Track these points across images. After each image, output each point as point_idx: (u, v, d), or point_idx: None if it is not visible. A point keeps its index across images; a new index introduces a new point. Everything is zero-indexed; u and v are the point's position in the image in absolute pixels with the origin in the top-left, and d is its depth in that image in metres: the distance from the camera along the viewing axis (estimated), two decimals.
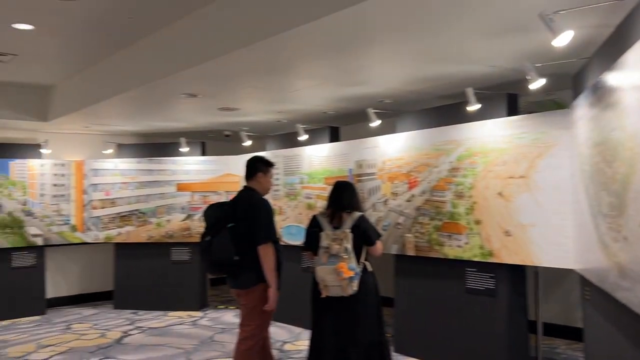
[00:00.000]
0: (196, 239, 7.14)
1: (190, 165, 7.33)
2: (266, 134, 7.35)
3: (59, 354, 5.32)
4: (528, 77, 3.98)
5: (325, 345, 3.84)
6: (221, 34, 4.08)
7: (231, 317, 6.81)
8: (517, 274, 4.49)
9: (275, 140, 6.98)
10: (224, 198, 7.15)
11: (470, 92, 4.51)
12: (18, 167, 7.07)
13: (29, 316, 6.97)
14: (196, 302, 7.27)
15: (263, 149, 7.02)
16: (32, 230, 7.10)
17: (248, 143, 7.14)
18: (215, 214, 3.79)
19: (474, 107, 4.54)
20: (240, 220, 3.69)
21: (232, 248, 3.62)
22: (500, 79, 4.86)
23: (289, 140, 6.66)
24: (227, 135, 8.24)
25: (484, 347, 4.54)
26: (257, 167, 3.95)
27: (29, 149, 7.30)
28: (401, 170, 5.14)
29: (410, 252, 5.03)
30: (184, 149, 7.35)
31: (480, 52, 4.01)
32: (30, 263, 7.11)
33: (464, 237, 4.60)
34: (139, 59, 5.11)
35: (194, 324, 6.45)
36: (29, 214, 7.10)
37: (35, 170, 7.18)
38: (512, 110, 4.53)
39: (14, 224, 6.99)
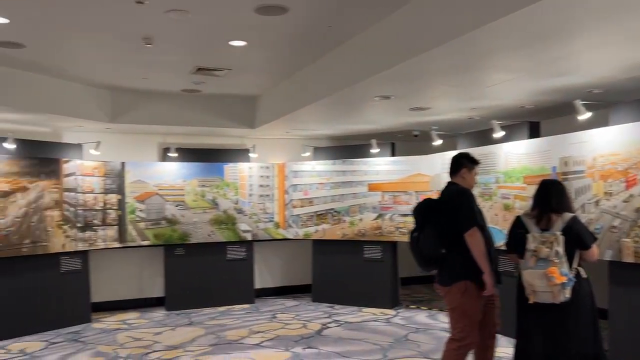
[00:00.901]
0: (387, 238, 7.31)
1: (380, 166, 7.48)
2: (457, 132, 7.17)
3: (268, 340, 5.83)
4: None
5: (532, 354, 3.62)
6: (416, 34, 4.08)
7: (424, 317, 6.79)
8: None
9: (467, 138, 6.78)
10: (414, 198, 7.17)
11: None
12: (231, 170, 7.93)
13: (240, 304, 7.77)
14: (388, 300, 7.39)
15: (454, 148, 6.88)
16: (242, 226, 7.90)
17: (438, 142, 7.04)
18: (422, 209, 3.93)
19: None
20: (445, 214, 3.77)
21: (438, 242, 3.74)
22: None
23: (482, 137, 6.41)
24: (415, 135, 8.23)
25: None
26: (462, 163, 3.99)
27: (239, 154, 8.15)
28: (616, 167, 4.61)
29: (629, 259, 4.48)
30: (375, 150, 7.53)
31: None
32: (241, 256, 7.92)
33: None
34: (336, 66, 5.36)
35: (387, 322, 6.57)
36: (240, 211, 7.91)
37: (244, 173, 7.97)
38: None
39: (228, 221, 7.85)
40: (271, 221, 8.05)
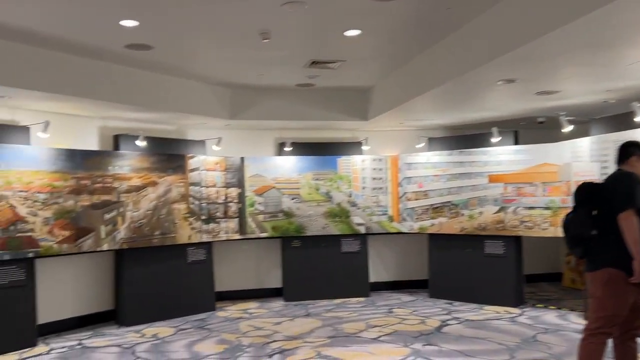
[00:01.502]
0: (510, 232, 6.90)
1: (502, 156, 7.06)
2: (589, 117, 6.57)
3: (385, 335, 5.72)
4: None
5: None
6: (545, 10, 3.75)
7: (553, 317, 6.30)
8: None
9: (602, 123, 6.18)
10: (540, 189, 6.69)
11: None
12: (344, 163, 7.91)
13: (355, 297, 7.73)
14: (512, 298, 6.96)
15: (585, 134, 6.32)
16: (356, 219, 7.86)
17: (568, 128, 6.48)
18: (580, 191, 3.82)
19: None
20: (603, 196, 3.64)
21: (587, 222, 3.64)
22: None
23: (619, 122, 5.80)
24: (540, 122, 7.68)
25: None
26: (630, 152, 3.79)
27: (352, 147, 8.12)
28: None
29: None
30: (496, 139, 7.11)
31: None
32: (355, 249, 7.88)
33: None
34: (453, 50, 5.10)
35: (512, 321, 6.18)
36: (353, 204, 7.88)
37: (357, 165, 7.92)
38: None
39: (342, 214, 7.85)
40: (385, 214, 7.92)
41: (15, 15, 4.33)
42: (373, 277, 8.21)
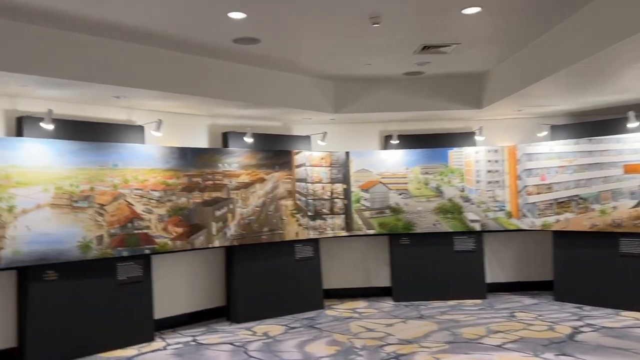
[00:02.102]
0: None
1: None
2: None
3: (510, 342, 5.22)
4: None
5: None
6: None
7: None
8: None
9: None
10: None
11: None
12: (455, 155, 7.43)
13: (471, 299, 7.23)
14: None
15: None
16: (470, 215, 7.35)
17: None
18: None
19: None
20: None
21: None
22: None
23: None
24: None
25: None
26: None
27: (464, 137, 7.61)
28: None
29: None
30: (633, 124, 6.31)
31: None
32: (469, 247, 7.37)
33: None
34: (585, 27, 4.51)
35: None
36: (466, 199, 7.37)
37: (470, 158, 7.40)
38: None
39: (454, 209, 7.37)
40: (502, 210, 7.34)
41: (127, 15, 4.38)
42: (490, 278, 7.66)
